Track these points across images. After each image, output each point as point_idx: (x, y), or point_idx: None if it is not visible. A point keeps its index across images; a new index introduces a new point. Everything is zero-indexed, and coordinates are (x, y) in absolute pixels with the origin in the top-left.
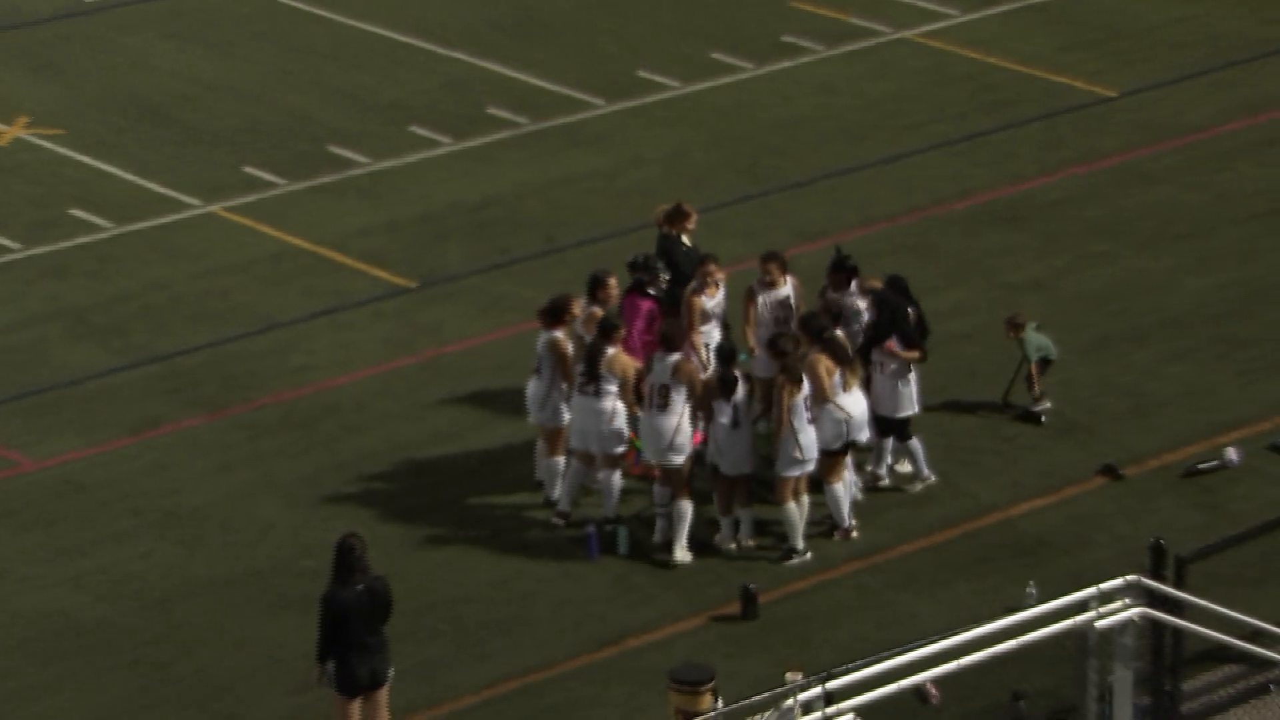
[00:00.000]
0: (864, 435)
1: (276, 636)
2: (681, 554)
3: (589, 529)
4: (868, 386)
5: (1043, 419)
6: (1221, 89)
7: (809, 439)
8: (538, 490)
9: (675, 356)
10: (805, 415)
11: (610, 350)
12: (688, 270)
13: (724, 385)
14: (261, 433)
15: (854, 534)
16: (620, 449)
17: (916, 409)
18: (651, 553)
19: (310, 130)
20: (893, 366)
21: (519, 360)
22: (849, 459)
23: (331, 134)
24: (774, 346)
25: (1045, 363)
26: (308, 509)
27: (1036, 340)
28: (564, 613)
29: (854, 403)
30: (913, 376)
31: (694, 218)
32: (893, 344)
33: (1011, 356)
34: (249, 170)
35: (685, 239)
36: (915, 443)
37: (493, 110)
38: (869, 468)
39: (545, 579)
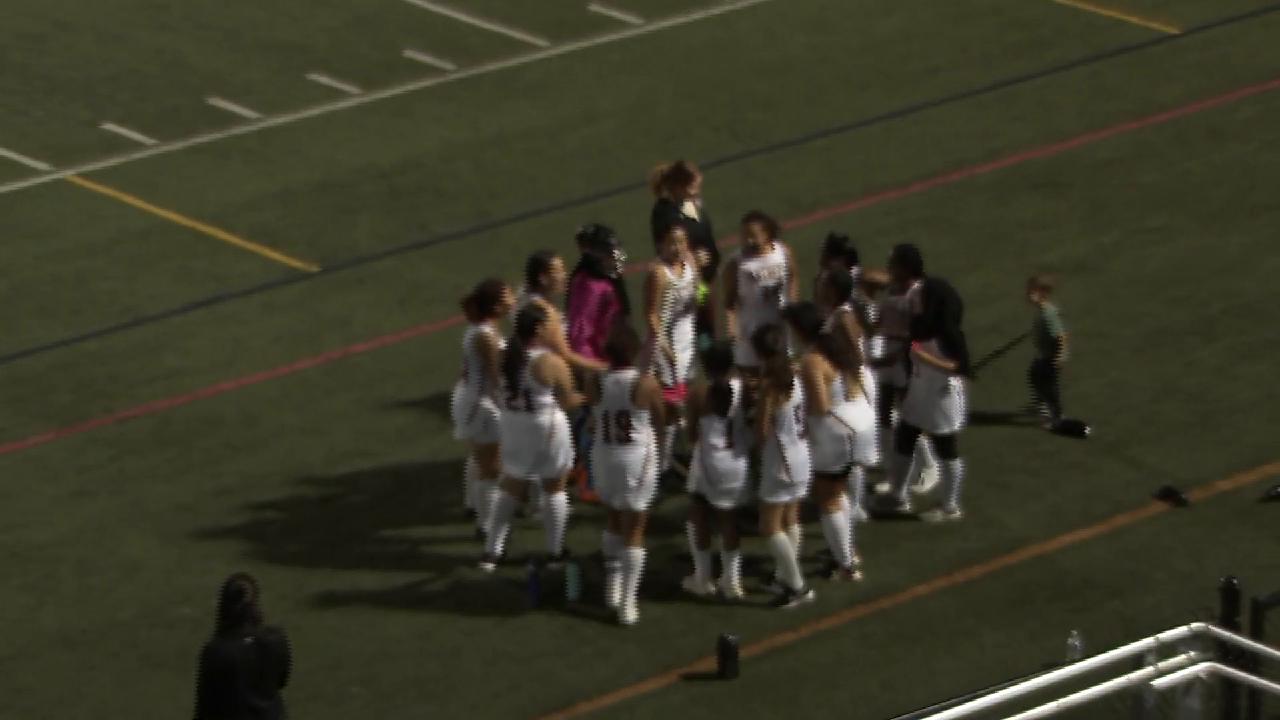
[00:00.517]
0: (872, 456)
1: (145, 702)
2: (632, 612)
3: (529, 568)
4: (901, 393)
5: (1087, 430)
6: None
7: (797, 457)
8: (468, 520)
9: (630, 373)
10: (795, 428)
11: (534, 354)
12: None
13: (717, 398)
14: (127, 451)
15: (857, 574)
16: (562, 465)
17: (956, 425)
18: (607, 595)
19: (185, 78)
20: (930, 371)
21: (444, 361)
22: (860, 479)
23: (211, 83)
24: (760, 343)
25: (1048, 369)
26: (183, 545)
27: (1055, 320)
28: (500, 671)
29: (859, 415)
30: (956, 384)
31: (698, 180)
32: (920, 345)
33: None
34: (109, 128)
35: (690, 207)
36: (958, 465)
37: (410, 53)
38: (881, 488)
39: (476, 630)
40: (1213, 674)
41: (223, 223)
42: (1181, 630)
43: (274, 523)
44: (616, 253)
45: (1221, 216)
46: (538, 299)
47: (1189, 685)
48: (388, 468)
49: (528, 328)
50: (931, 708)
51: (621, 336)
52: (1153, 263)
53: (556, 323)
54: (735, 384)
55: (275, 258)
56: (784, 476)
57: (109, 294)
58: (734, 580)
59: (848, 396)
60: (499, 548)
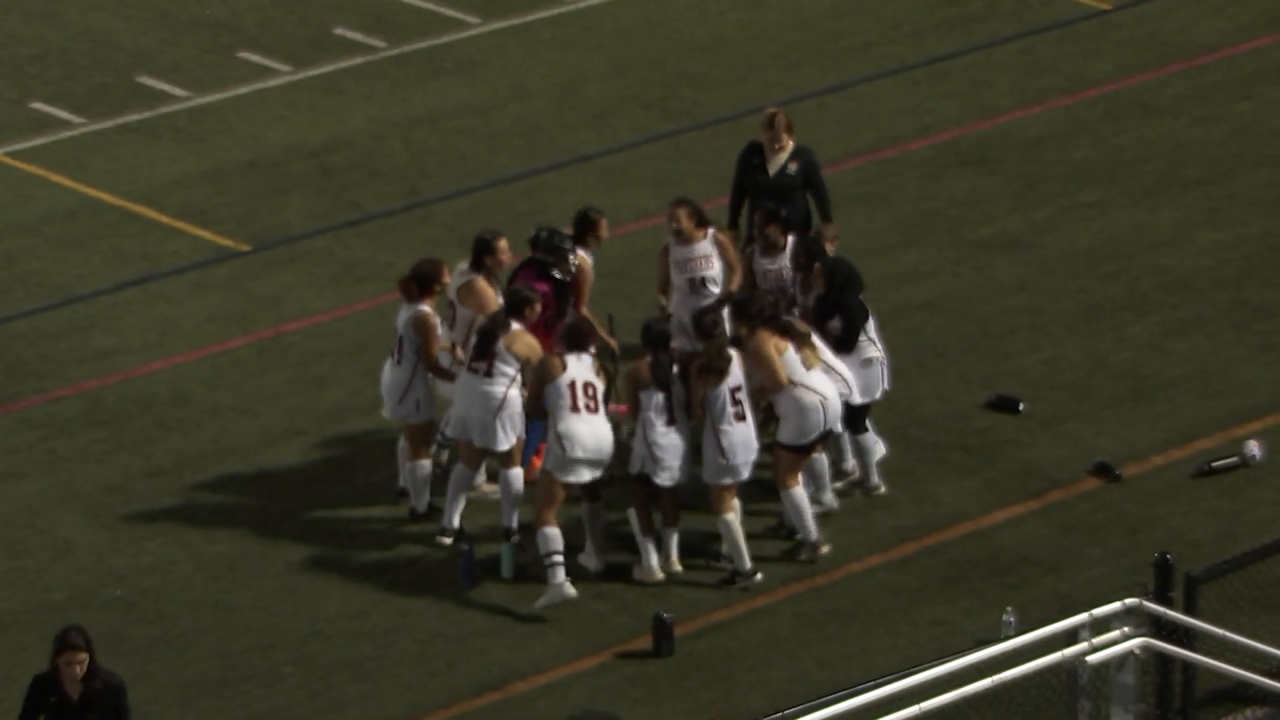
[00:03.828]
0: (839, 424)
1: None
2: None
3: (463, 548)
4: None
5: (1021, 406)
6: (1240, 0)
7: (734, 441)
8: (400, 501)
9: (586, 358)
10: (730, 411)
11: (516, 326)
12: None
13: (657, 370)
14: (57, 431)
15: (825, 548)
16: (507, 446)
17: (877, 395)
18: (542, 576)
19: (113, 56)
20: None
21: (377, 339)
22: (825, 466)
23: (140, 61)
24: (699, 325)
25: None
26: (115, 526)
27: None
28: (434, 651)
29: (825, 383)
30: (878, 357)
31: (776, 134)
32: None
33: (988, 332)
34: (37, 106)
35: (780, 158)
36: (869, 439)
37: (340, 31)
38: (845, 465)
39: (411, 610)
40: (1146, 649)
41: (152, 202)
42: (1115, 606)
43: (206, 503)
44: (571, 257)
45: (1153, 192)
46: (479, 278)
47: (1123, 660)
48: (321, 447)
49: (518, 307)
50: (866, 685)
51: (521, 291)
52: (1085, 238)
53: (494, 296)
54: (675, 358)
55: (206, 237)
56: (722, 460)
57: (38, 274)
58: (674, 556)
59: (808, 365)
60: (456, 521)
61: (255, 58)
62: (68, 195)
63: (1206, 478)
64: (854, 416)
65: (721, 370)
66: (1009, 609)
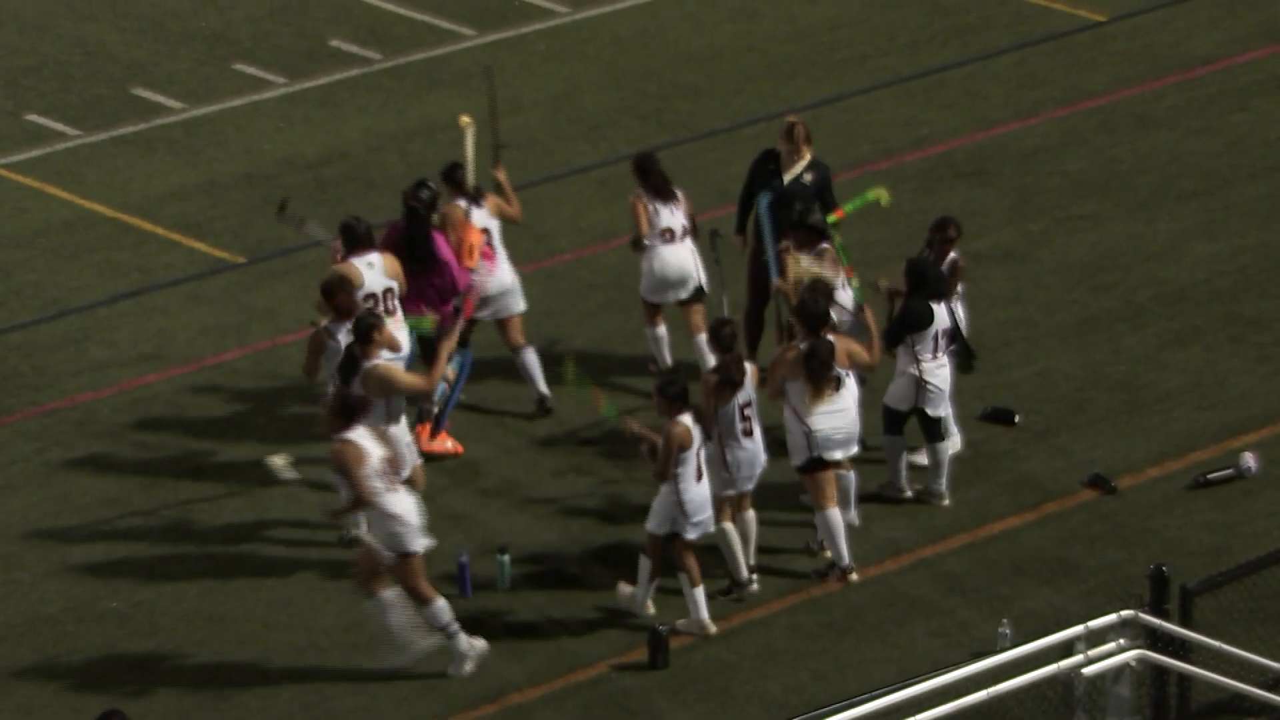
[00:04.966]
0: (839, 454)
1: (72, 698)
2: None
3: (461, 558)
4: None
5: (1016, 419)
6: (1235, 12)
7: (739, 456)
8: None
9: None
10: (738, 427)
11: (367, 364)
12: (776, 217)
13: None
14: (52, 443)
15: (853, 575)
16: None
17: (903, 409)
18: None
19: (109, 68)
20: (903, 353)
21: None
22: (851, 483)
23: (135, 73)
24: (717, 338)
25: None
26: (110, 539)
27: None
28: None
29: (820, 419)
30: (916, 373)
31: (793, 145)
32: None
33: (983, 344)
34: (32, 119)
35: (797, 168)
36: (900, 442)
37: (336, 43)
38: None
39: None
40: (1142, 661)
41: (148, 214)
42: (1111, 618)
43: (201, 515)
44: (424, 193)
45: (1149, 204)
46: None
47: (1118, 673)
48: (316, 459)
49: (365, 334)
50: (862, 697)
51: (364, 321)
52: (1080, 250)
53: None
54: (689, 420)
55: (201, 249)
56: (724, 473)
57: (34, 286)
58: (705, 616)
59: (811, 401)
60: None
61: (250, 70)
62: (63, 207)
63: (1202, 490)
64: (886, 419)
65: (736, 384)
66: (1004, 621)
